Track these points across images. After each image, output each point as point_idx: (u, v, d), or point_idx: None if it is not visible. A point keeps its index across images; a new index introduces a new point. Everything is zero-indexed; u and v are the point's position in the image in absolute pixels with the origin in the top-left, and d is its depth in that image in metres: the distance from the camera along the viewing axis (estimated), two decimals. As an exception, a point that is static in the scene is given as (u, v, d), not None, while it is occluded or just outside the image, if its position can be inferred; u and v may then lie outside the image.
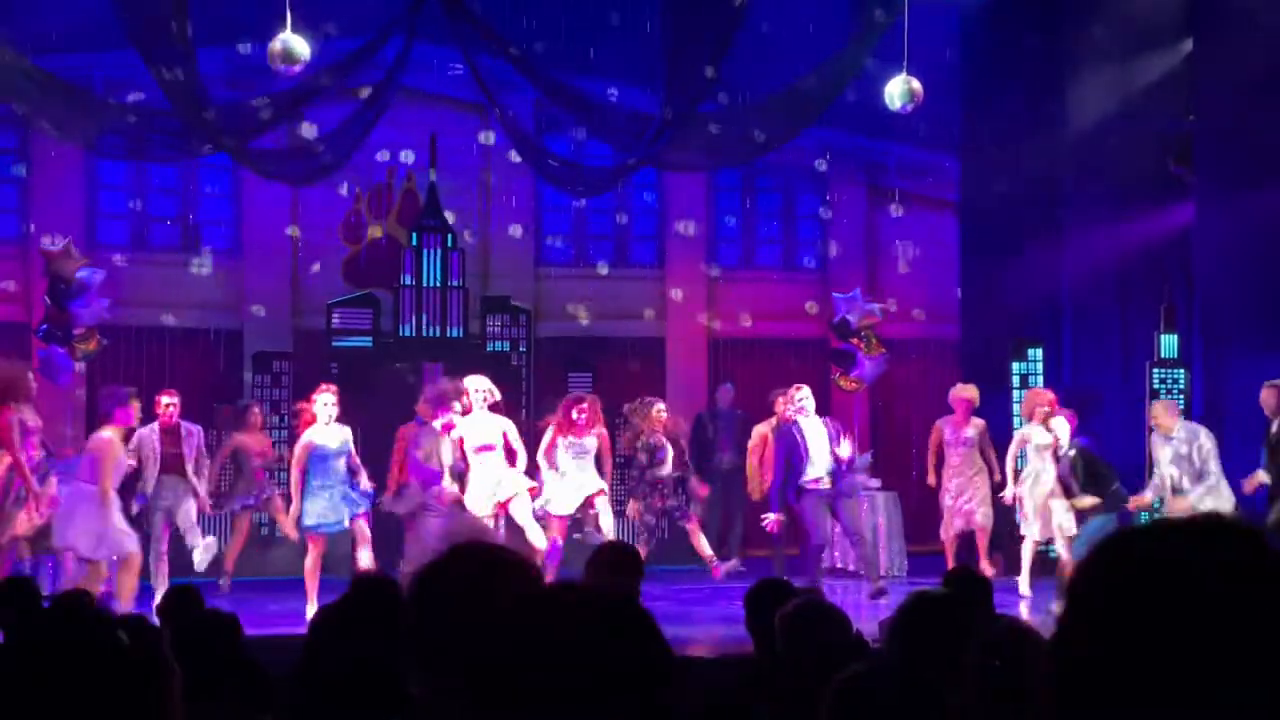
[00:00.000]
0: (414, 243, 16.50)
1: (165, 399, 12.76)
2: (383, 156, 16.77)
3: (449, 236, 16.56)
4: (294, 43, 12.92)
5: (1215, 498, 12.19)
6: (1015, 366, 15.69)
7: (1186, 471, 12.29)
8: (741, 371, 17.71)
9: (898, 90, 14.07)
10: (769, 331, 18.14)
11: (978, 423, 14.24)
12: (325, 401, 12.14)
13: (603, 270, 17.79)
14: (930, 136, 16.88)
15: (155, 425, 12.65)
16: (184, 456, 12.64)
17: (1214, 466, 12.40)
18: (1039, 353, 15.77)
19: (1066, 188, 16.03)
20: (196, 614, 5.64)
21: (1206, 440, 12.45)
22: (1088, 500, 12.21)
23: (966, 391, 14.29)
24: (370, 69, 15.09)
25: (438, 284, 16.41)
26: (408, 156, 16.79)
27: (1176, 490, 12.30)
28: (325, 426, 12.10)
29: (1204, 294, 14.89)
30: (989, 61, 16.21)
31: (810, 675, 4.22)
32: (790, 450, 12.56)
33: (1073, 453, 12.39)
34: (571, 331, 17.47)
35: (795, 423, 12.72)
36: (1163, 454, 12.44)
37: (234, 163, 15.66)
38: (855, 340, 15.50)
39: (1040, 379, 15.65)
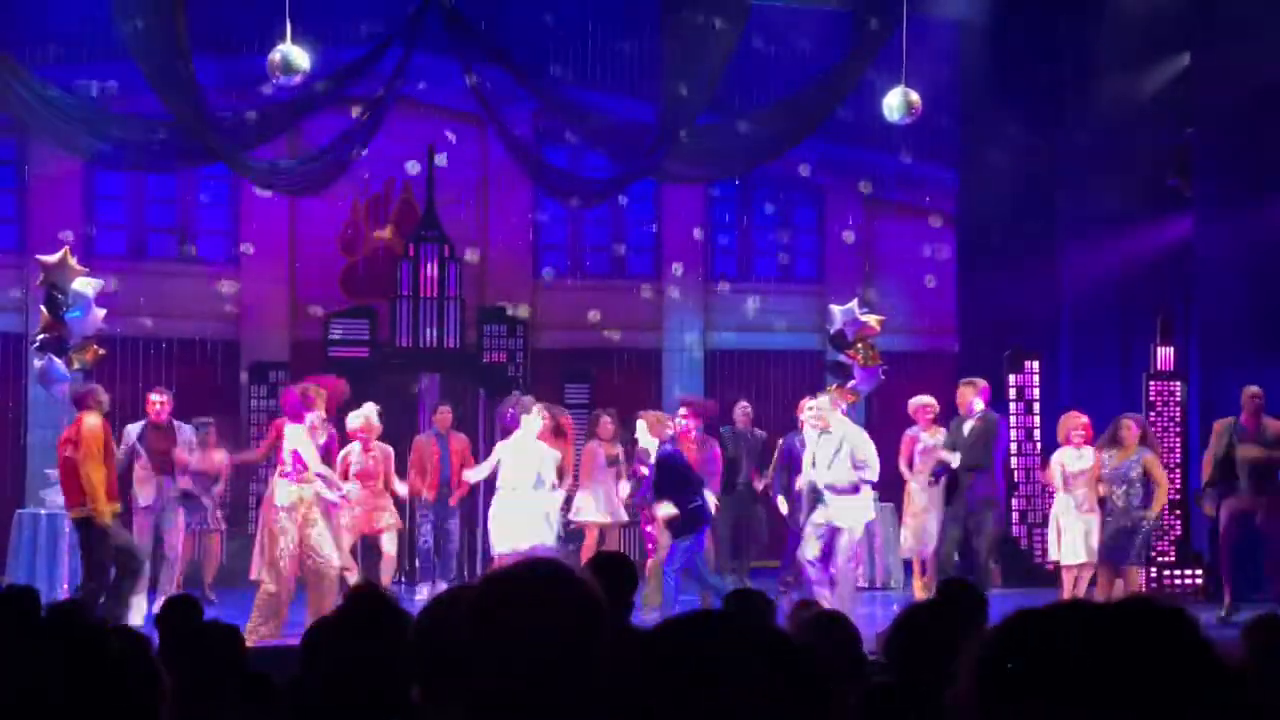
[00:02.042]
0: (411, 253, 16.49)
1: (155, 396, 12.86)
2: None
3: (446, 247, 16.56)
4: (293, 54, 12.94)
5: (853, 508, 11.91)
6: (1012, 378, 15.69)
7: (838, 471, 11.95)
8: (738, 383, 17.71)
9: (896, 102, 14.10)
10: (766, 343, 18.15)
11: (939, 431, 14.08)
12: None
13: (599, 281, 17.82)
14: (928, 149, 16.91)
15: (143, 423, 12.76)
16: (173, 454, 12.66)
17: (868, 474, 11.98)
18: (1036, 364, 15.76)
19: (1064, 200, 16.06)
20: (196, 624, 5.63)
21: (858, 442, 12.04)
22: (665, 509, 12.02)
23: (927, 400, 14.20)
24: (369, 80, 15.12)
25: (435, 295, 16.40)
26: (414, 168, 16.74)
27: (818, 492, 11.89)
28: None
29: (1202, 306, 14.91)
30: (987, 75, 16.23)
31: (813, 685, 4.22)
32: (788, 457, 12.86)
33: (652, 459, 12.18)
34: (568, 343, 17.48)
35: (800, 432, 12.98)
36: (821, 450, 12.07)
37: (232, 173, 15.67)
38: (851, 352, 15.47)
39: (1037, 390, 15.65)
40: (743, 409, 15.41)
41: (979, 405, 12.73)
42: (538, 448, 12.39)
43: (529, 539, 11.83)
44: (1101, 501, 12.51)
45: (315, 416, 11.21)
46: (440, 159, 16.69)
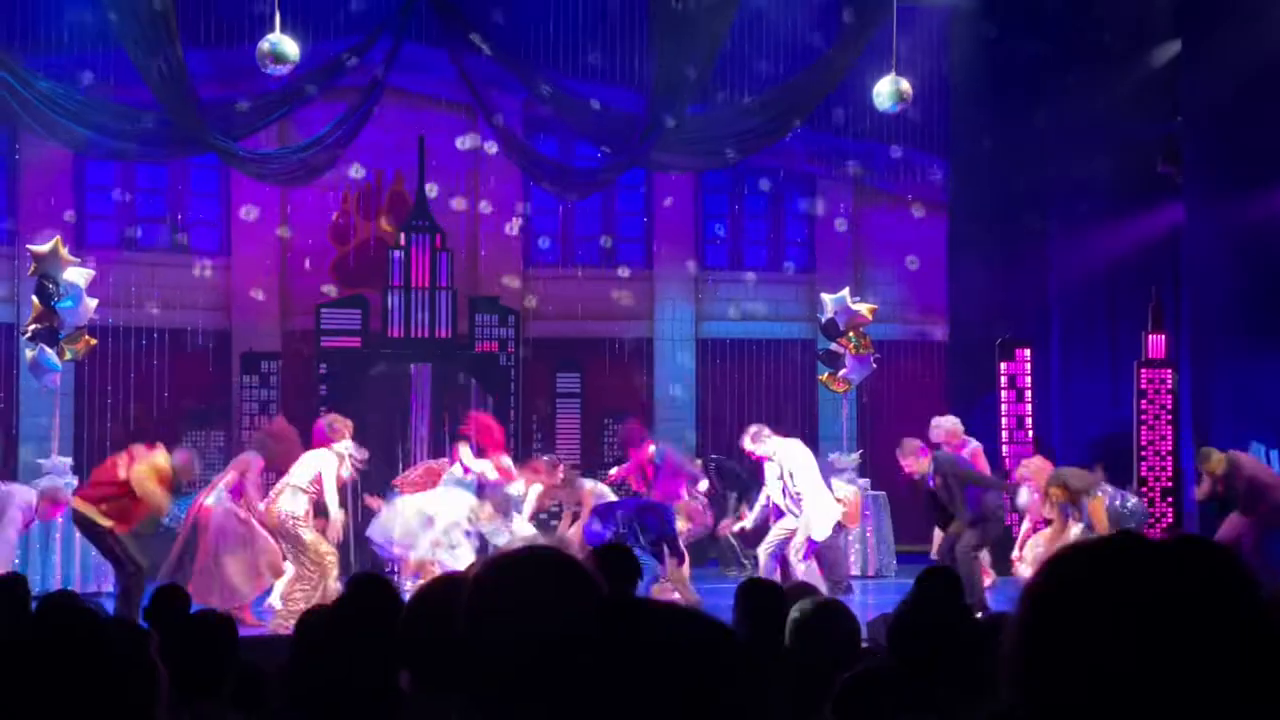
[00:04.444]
0: (403, 243, 16.48)
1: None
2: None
3: (438, 237, 16.55)
4: (283, 44, 12.93)
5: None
6: (1003, 366, 15.72)
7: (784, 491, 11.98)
8: (730, 372, 17.74)
9: (886, 90, 14.09)
10: (757, 332, 18.17)
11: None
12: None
13: (590, 271, 17.83)
14: (919, 137, 16.92)
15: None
16: None
17: (806, 484, 11.90)
18: (1028, 353, 15.78)
19: (1054, 189, 16.07)
20: (186, 615, 5.63)
21: (794, 468, 11.95)
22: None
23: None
24: (359, 70, 15.11)
25: (426, 285, 16.39)
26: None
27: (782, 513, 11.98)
28: None
29: (1192, 294, 14.92)
30: (976, 63, 16.24)
31: (813, 671, 4.25)
32: None
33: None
34: (560, 332, 17.49)
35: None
36: (770, 476, 12.10)
37: (223, 163, 15.65)
38: (843, 340, 15.49)
39: (1029, 378, 15.67)
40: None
41: (924, 466, 11.88)
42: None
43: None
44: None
45: (343, 447, 11.55)
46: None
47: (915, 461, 11.92)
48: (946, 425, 12.99)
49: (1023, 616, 1.52)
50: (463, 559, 12.24)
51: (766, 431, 12.30)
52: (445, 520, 12.20)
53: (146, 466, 10.84)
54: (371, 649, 3.32)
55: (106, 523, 10.82)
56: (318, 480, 11.46)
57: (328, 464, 11.54)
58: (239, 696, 4.24)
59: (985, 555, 12.65)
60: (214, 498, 11.57)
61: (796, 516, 11.94)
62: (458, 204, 16.86)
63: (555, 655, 1.75)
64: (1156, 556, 1.49)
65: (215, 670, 4.08)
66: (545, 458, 13.92)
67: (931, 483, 11.83)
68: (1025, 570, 12.26)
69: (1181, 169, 15.07)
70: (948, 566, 7.34)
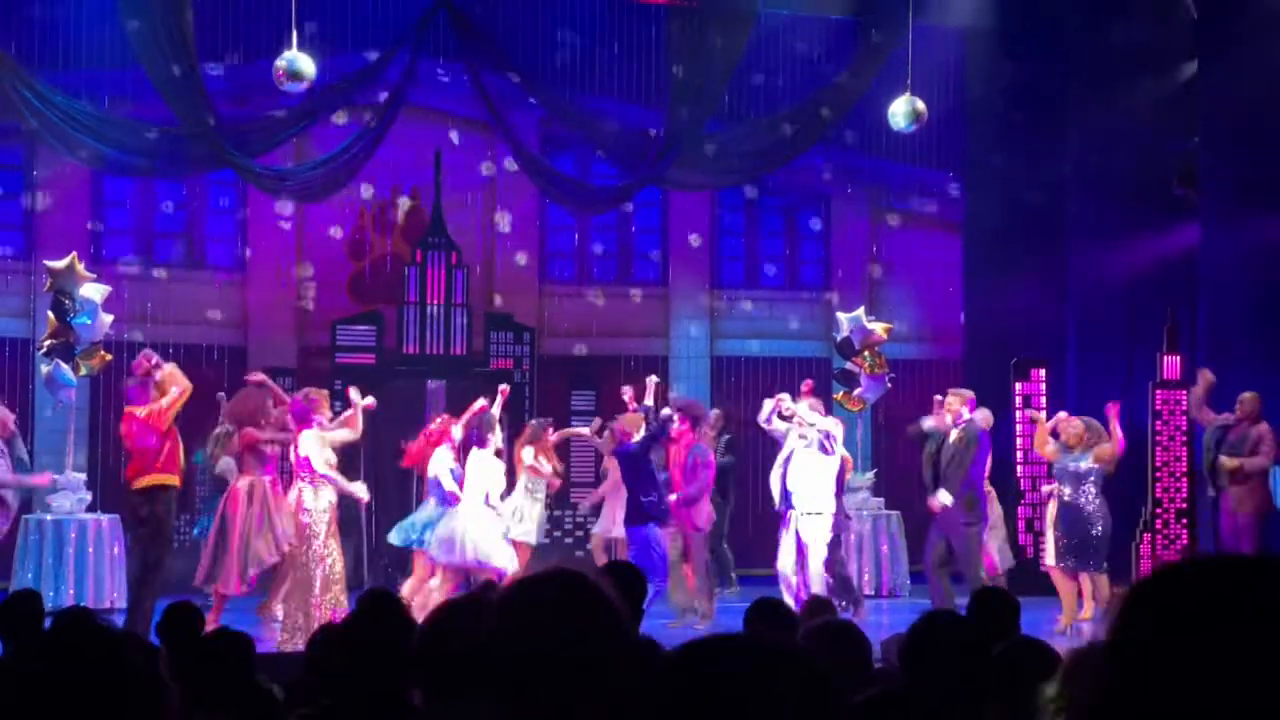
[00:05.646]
0: (418, 260, 16.51)
1: None
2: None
3: (453, 254, 16.57)
4: (300, 61, 12.98)
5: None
6: (1018, 386, 15.67)
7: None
8: (744, 390, 17.72)
9: (902, 110, 14.10)
10: (772, 350, 18.15)
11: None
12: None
13: (605, 289, 17.83)
14: (934, 157, 16.92)
15: None
16: None
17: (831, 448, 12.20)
18: (1043, 373, 15.74)
19: (1070, 208, 16.06)
20: (199, 632, 5.63)
21: (829, 425, 12.27)
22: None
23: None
24: (376, 86, 15.16)
25: (441, 301, 16.41)
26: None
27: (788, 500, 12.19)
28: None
29: (1208, 315, 14.89)
30: (992, 82, 16.25)
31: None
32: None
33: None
34: (574, 349, 17.50)
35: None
36: (800, 455, 12.21)
37: (239, 179, 15.70)
38: (858, 359, 15.49)
39: (1044, 399, 15.62)
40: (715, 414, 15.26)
41: (966, 415, 12.26)
42: None
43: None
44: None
45: (323, 418, 11.43)
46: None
47: (958, 404, 12.04)
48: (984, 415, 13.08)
49: (1112, 640, 1.45)
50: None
51: (821, 412, 12.49)
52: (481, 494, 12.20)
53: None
54: (383, 665, 3.31)
55: (172, 478, 10.84)
56: (316, 462, 11.22)
57: (319, 443, 11.29)
58: (251, 713, 4.24)
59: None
60: (243, 481, 11.42)
61: (797, 516, 12.00)
62: (471, 226, 16.91)
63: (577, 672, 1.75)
64: (1253, 575, 1.42)
65: (227, 688, 4.08)
66: (533, 421, 13.91)
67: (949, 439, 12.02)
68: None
69: (1197, 190, 15.06)
70: (1004, 589, 7.34)
